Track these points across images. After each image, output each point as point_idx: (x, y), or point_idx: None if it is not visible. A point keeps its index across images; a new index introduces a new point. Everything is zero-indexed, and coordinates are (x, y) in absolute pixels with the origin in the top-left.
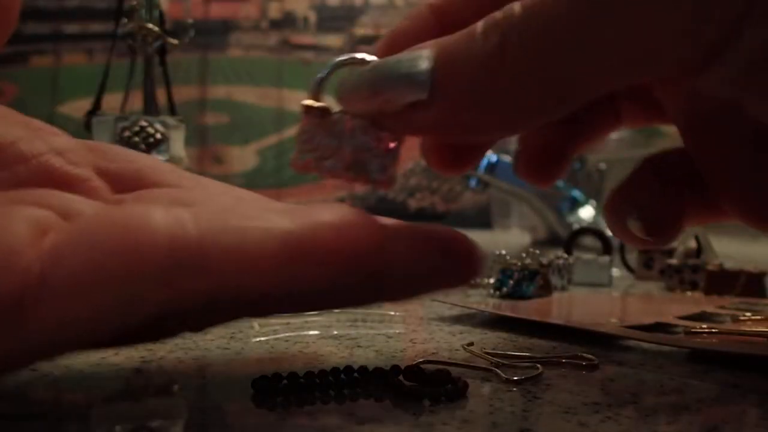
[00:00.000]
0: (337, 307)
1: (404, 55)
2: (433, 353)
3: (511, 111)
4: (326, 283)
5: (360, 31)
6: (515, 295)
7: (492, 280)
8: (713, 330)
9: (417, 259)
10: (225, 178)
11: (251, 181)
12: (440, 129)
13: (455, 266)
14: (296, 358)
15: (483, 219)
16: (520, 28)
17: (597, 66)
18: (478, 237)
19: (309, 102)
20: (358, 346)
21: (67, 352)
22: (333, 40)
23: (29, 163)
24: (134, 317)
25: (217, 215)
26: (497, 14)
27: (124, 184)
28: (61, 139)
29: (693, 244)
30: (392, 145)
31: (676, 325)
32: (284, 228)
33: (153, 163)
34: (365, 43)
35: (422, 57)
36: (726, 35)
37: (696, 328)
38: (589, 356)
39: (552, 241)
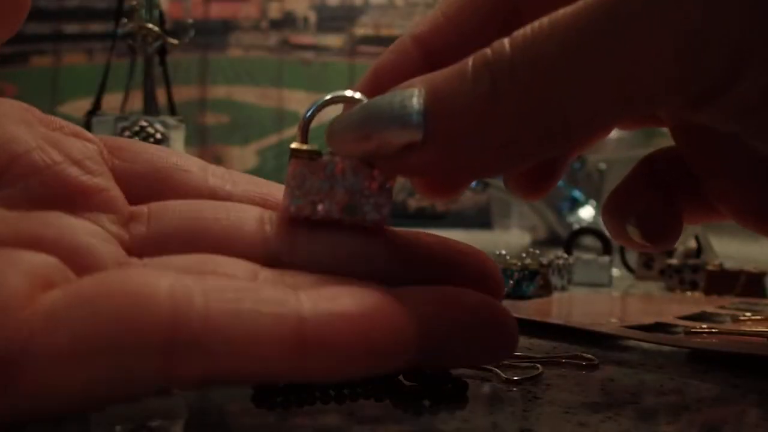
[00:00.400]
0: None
1: (394, 95)
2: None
3: (507, 152)
4: (340, 377)
5: (360, 31)
6: (515, 294)
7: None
8: (713, 330)
9: (452, 346)
10: None
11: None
12: (435, 170)
13: (497, 342)
14: None
15: (483, 219)
16: (510, 68)
17: (590, 106)
18: (478, 237)
19: (297, 145)
20: None
21: (57, 413)
22: (333, 40)
23: (43, 174)
24: (126, 390)
25: (229, 293)
26: (487, 53)
27: (144, 188)
28: (78, 145)
29: (693, 244)
30: (385, 183)
31: (676, 325)
32: (299, 315)
33: (177, 160)
34: (365, 43)
35: (413, 96)
36: (717, 84)
37: (696, 328)
38: (589, 356)
39: (552, 241)
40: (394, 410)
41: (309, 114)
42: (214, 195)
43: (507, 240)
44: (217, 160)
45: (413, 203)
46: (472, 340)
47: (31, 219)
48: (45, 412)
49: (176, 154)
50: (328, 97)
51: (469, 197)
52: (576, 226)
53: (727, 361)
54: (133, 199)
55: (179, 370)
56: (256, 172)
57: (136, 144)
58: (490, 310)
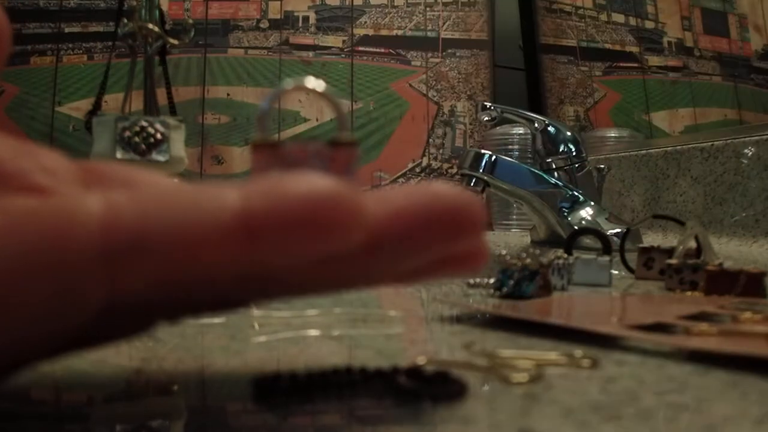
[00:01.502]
0: (325, 290)
1: None
2: (433, 353)
3: None
4: (292, 256)
5: (359, 31)
6: (515, 295)
7: (492, 280)
8: (713, 330)
9: (408, 227)
10: (225, 178)
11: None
12: None
13: (457, 233)
14: (297, 358)
15: None
16: None
17: None
18: None
19: (257, 139)
20: (359, 346)
21: (24, 361)
22: (332, 40)
23: (13, 182)
24: (80, 310)
25: (161, 195)
26: None
27: None
28: (52, 159)
29: (693, 244)
30: (349, 164)
31: (676, 325)
32: (239, 199)
33: (154, 181)
34: (364, 43)
35: None
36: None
37: (696, 328)
38: (590, 356)
39: (552, 241)
40: (394, 410)
41: (265, 108)
42: None
43: (507, 240)
44: (217, 160)
45: None
46: (432, 225)
47: None
48: (7, 357)
49: (156, 176)
50: (284, 86)
51: None
52: (576, 227)
53: (727, 361)
54: None
55: (123, 276)
56: None
57: (115, 167)
58: (452, 197)
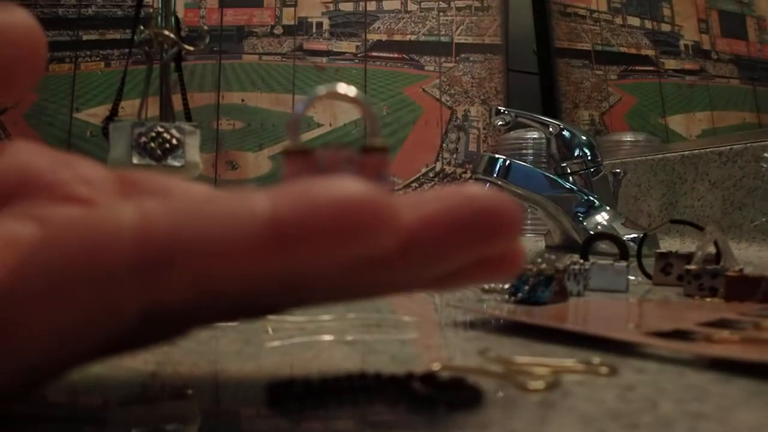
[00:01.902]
0: (359, 296)
1: None
2: (448, 359)
3: None
4: (323, 262)
5: (373, 36)
6: (530, 300)
7: (507, 286)
8: (735, 337)
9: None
10: (239, 183)
11: (265, 186)
12: None
13: (492, 236)
14: (311, 363)
15: None
16: None
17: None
18: None
19: (289, 146)
20: (373, 352)
21: (57, 371)
22: (346, 45)
23: (53, 191)
24: (117, 320)
25: (192, 205)
26: None
27: None
28: (90, 168)
29: (712, 249)
30: (381, 170)
31: (695, 332)
32: (268, 206)
33: (187, 189)
34: (378, 48)
35: None
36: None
37: (717, 335)
38: (607, 363)
39: (567, 246)
40: (408, 417)
41: (299, 113)
42: None
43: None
44: (232, 166)
45: None
46: (466, 228)
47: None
48: (39, 367)
49: (187, 185)
50: (317, 93)
51: None
52: (592, 231)
53: (750, 369)
54: None
55: (157, 287)
56: (270, 177)
57: (150, 175)
58: (486, 198)
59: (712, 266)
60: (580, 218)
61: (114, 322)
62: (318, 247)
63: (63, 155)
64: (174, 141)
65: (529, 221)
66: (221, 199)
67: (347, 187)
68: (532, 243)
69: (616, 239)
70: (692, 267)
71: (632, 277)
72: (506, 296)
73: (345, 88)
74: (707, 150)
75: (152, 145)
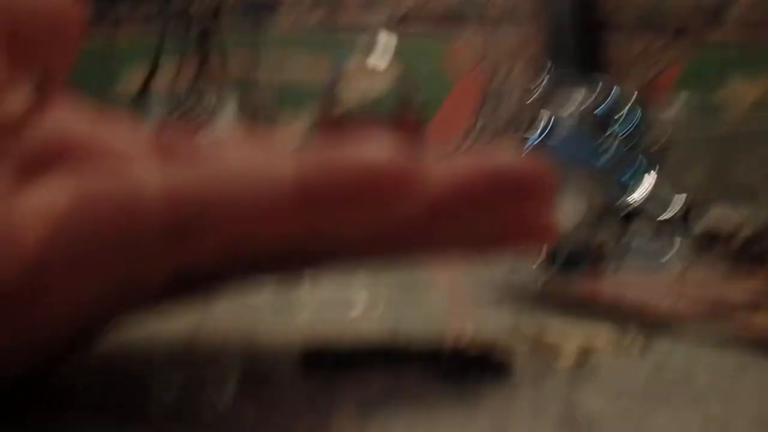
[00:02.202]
0: (385, 257)
1: None
2: (478, 331)
3: None
4: (352, 222)
5: (405, 4)
6: (567, 270)
7: (542, 255)
8: None
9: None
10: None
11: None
12: None
13: (521, 200)
14: (342, 330)
15: None
16: None
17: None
18: None
19: (322, 115)
20: (404, 321)
21: (89, 336)
22: (378, 15)
23: (91, 156)
24: (146, 283)
25: (221, 168)
26: None
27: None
28: (126, 127)
29: (758, 223)
30: (413, 133)
31: (737, 310)
32: (294, 166)
33: (218, 153)
34: (411, 17)
35: None
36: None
37: (759, 315)
38: (640, 338)
39: (609, 214)
40: (437, 386)
41: (332, 79)
42: None
43: (560, 212)
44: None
45: None
46: (495, 191)
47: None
48: (74, 333)
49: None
50: (348, 63)
51: None
52: (635, 200)
53: None
54: None
55: (187, 250)
56: (304, 147)
57: (180, 136)
58: (517, 163)
59: (760, 240)
60: (624, 186)
61: (145, 284)
62: (342, 210)
63: (100, 113)
64: (209, 110)
65: (567, 189)
66: (250, 162)
67: (372, 152)
68: (571, 210)
69: (656, 213)
70: (739, 241)
71: (676, 249)
72: (542, 265)
73: (378, 58)
74: (761, 119)
75: (188, 114)
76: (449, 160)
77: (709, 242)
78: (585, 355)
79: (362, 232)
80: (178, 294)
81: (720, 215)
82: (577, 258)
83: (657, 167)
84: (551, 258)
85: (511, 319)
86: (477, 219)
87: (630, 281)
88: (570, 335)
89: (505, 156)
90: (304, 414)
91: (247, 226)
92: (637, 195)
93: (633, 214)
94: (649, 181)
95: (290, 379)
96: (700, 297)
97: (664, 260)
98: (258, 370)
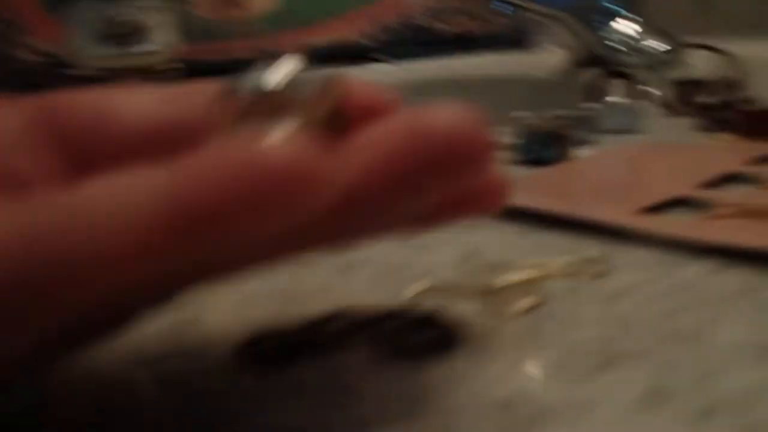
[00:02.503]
0: (302, 251)
1: None
2: (427, 281)
3: None
4: (251, 239)
5: None
6: (530, 161)
7: (509, 145)
8: (736, 211)
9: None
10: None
11: (275, 23)
12: None
13: (452, 171)
14: (284, 318)
15: (516, 40)
16: None
17: None
18: (512, 60)
19: (224, 88)
20: (353, 275)
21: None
22: None
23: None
24: (19, 344)
25: (72, 197)
26: None
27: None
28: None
29: (732, 77)
30: (329, 110)
31: (698, 201)
32: (173, 177)
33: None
34: None
35: None
36: None
37: (717, 210)
38: (599, 260)
39: (589, 61)
40: (382, 364)
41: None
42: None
43: (542, 61)
44: (235, 4)
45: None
46: (417, 169)
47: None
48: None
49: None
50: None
51: (501, 20)
52: (614, 44)
53: (754, 255)
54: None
55: (53, 303)
56: (279, 14)
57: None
58: (439, 129)
59: (731, 98)
60: (602, 30)
61: (16, 345)
62: (235, 221)
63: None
64: (138, 24)
65: (550, 36)
66: (108, 188)
67: (263, 151)
68: (552, 59)
69: (629, 76)
70: (710, 100)
71: (646, 112)
72: (512, 157)
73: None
74: None
75: (116, 30)
76: (366, 133)
77: (685, 97)
78: (536, 298)
79: (267, 236)
80: (91, 336)
81: (701, 59)
82: (544, 146)
83: (639, 4)
84: (520, 148)
85: (468, 251)
86: (404, 197)
87: (593, 170)
88: (524, 266)
89: (425, 121)
90: (242, 405)
91: (119, 264)
92: (617, 38)
93: (606, 81)
94: (629, 20)
95: (221, 375)
96: (660, 184)
97: (635, 127)
98: (193, 366)
